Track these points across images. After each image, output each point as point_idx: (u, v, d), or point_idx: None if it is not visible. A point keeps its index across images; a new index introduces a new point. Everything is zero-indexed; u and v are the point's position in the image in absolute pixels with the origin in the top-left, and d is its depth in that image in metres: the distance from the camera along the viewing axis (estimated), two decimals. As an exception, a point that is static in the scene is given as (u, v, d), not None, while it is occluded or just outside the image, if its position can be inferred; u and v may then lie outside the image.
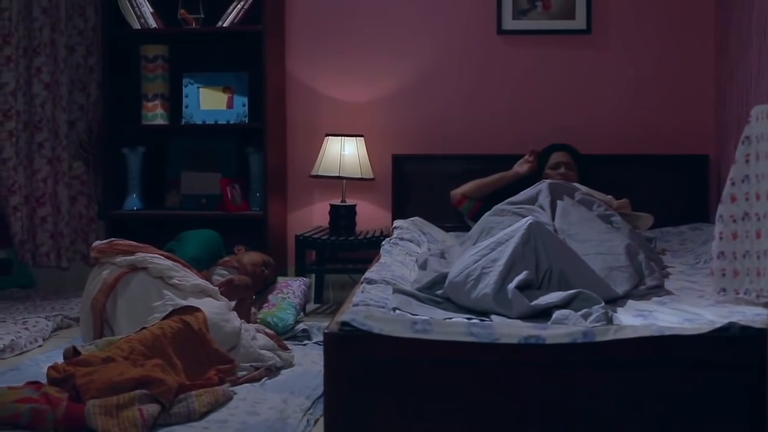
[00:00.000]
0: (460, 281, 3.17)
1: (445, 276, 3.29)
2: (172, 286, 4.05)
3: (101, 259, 4.21)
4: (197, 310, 3.80)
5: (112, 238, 4.37)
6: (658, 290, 3.45)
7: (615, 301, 3.21)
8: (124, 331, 3.89)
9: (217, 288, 4.22)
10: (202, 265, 4.56)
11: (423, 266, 3.86)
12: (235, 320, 3.98)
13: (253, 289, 4.61)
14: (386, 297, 3.19)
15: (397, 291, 3.26)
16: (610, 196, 4.71)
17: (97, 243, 4.30)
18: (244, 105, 5.77)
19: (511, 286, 3.03)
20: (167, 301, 3.92)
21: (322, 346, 2.76)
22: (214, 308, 3.92)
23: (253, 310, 4.62)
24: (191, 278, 4.14)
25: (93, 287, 4.12)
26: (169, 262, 4.16)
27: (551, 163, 5.16)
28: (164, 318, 3.75)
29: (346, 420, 2.69)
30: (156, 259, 4.14)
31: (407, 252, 4.38)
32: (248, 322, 4.28)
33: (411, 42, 5.89)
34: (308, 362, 4.11)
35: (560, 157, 5.17)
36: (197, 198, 5.87)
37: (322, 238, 5.52)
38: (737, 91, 5.06)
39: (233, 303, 4.23)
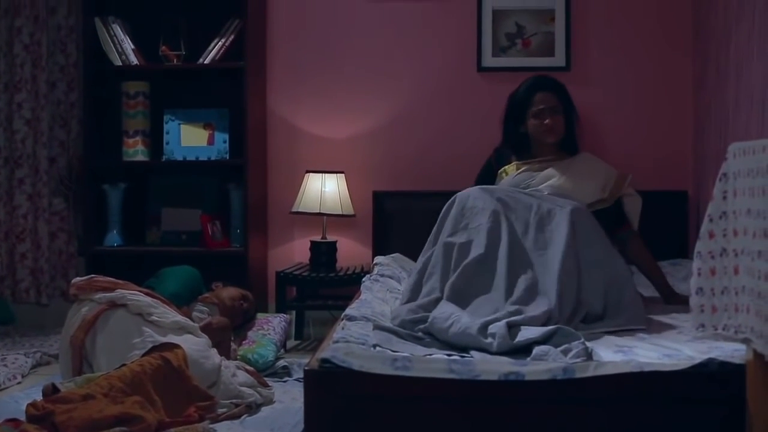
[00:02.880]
0: (442, 318, 3.18)
1: (426, 317, 3.30)
2: (151, 322, 4.04)
3: (80, 296, 4.20)
4: (177, 346, 3.78)
5: (92, 275, 4.36)
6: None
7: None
8: (103, 367, 3.88)
9: (196, 325, 4.21)
10: (182, 301, 4.56)
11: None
12: (215, 357, 3.97)
13: (231, 330, 4.59)
14: (366, 334, 3.19)
15: (378, 328, 3.26)
16: (612, 171, 4.38)
17: (76, 280, 4.29)
18: (225, 141, 5.78)
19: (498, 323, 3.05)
20: (147, 338, 3.91)
21: (302, 383, 2.76)
22: (194, 345, 3.91)
23: (233, 346, 4.61)
24: (171, 315, 4.13)
25: (72, 324, 4.10)
26: (148, 299, 4.15)
27: (534, 110, 4.40)
28: (144, 355, 3.74)
29: (326, 457, 2.68)
30: (135, 295, 4.13)
31: (388, 288, 4.37)
32: (228, 359, 4.27)
33: (392, 78, 5.92)
34: (288, 399, 4.10)
35: (544, 101, 4.41)
36: (178, 234, 5.87)
37: (303, 274, 5.51)
38: (715, 127, 5.10)
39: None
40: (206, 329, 4.31)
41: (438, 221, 3.91)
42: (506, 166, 4.45)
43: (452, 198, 3.97)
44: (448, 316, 3.19)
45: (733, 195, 2.42)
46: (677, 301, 4.11)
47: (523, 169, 4.34)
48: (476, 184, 4.44)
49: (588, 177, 4.26)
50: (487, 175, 4.55)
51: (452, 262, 3.60)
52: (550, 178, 4.22)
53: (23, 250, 5.96)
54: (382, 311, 3.73)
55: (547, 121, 4.36)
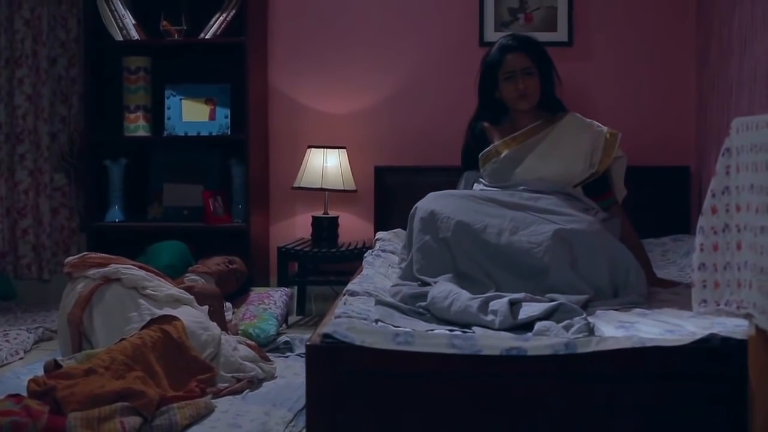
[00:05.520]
0: (441, 296, 3.18)
1: (425, 293, 3.30)
2: (146, 296, 4.04)
3: (74, 274, 4.19)
4: (175, 318, 3.80)
5: (85, 252, 4.37)
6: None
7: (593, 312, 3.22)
8: (102, 343, 3.88)
9: (192, 297, 4.21)
10: (176, 272, 4.59)
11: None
12: (215, 328, 3.97)
13: (221, 299, 4.57)
14: (368, 309, 3.19)
15: (380, 303, 3.26)
16: (601, 128, 4.20)
17: (69, 258, 4.29)
18: (226, 117, 5.77)
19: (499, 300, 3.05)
20: (144, 312, 3.92)
21: (304, 358, 2.76)
22: (191, 317, 3.92)
23: (233, 321, 4.61)
24: (165, 288, 4.13)
25: (68, 302, 4.09)
26: (142, 273, 4.15)
27: (505, 73, 4.13)
28: (142, 328, 3.75)
29: (328, 432, 2.69)
30: (129, 269, 4.13)
31: (390, 264, 4.37)
32: (223, 329, 4.25)
33: (393, 54, 5.90)
34: (290, 374, 4.10)
35: (516, 63, 4.12)
36: (179, 210, 5.87)
37: (305, 249, 5.51)
38: (718, 103, 5.09)
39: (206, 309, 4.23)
40: (189, 291, 4.31)
41: (407, 233, 3.88)
42: (486, 150, 4.20)
43: (414, 207, 3.88)
44: (447, 293, 3.19)
45: (736, 170, 2.41)
46: (659, 284, 3.91)
47: (504, 153, 4.13)
48: (464, 170, 4.39)
49: (575, 155, 4.10)
50: (472, 160, 4.31)
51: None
52: (533, 169, 4.07)
53: (25, 225, 5.96)
54: (384, 286, 3.73)
55: (519, 85, 4.10)
